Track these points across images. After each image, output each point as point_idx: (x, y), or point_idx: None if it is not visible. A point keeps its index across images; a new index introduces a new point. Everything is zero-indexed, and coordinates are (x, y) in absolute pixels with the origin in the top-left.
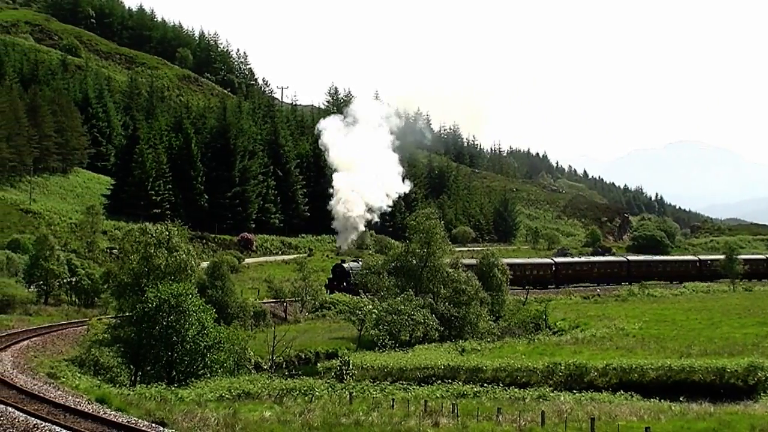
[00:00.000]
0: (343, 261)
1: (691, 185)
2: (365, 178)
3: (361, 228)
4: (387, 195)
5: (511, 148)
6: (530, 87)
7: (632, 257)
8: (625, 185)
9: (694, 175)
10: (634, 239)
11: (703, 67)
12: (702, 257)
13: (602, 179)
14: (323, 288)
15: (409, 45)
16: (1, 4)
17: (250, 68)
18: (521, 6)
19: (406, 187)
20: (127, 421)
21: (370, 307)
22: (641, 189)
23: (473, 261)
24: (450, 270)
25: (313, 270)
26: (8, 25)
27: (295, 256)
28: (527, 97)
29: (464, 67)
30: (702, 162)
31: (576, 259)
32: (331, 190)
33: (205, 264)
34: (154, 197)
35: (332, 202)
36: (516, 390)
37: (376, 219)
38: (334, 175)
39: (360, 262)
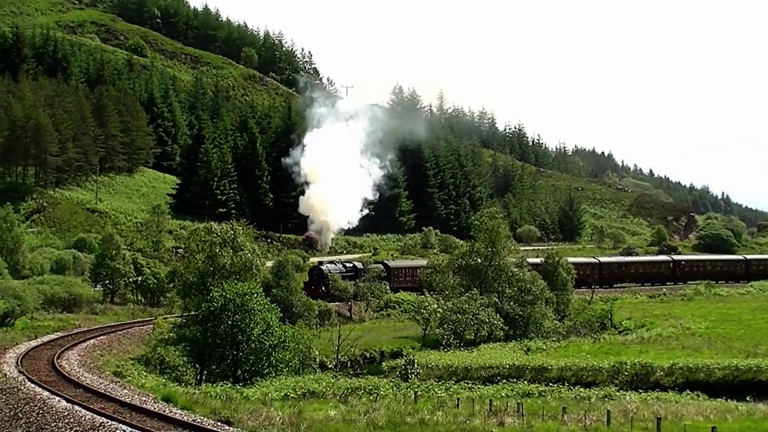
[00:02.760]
0: (321, 263)
1: (761, 183)
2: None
3: (336, 229)
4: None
5: (576, 147)
6: (597, 84)
7: (604, 258)
8: (691, 184)
9: (764, 172)
10: (700, 238)
11: None
12: (675, 257)
13: (668, 178)
14: (387, 287)
15: (471, 38)
16: (68, 4)
17: (314, 67)
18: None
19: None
20: (193, 420)
21: (435, 306)
22: (707, 188)
23: (538, 260)
24: (515, 269)
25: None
26: (74, 25)
27: (359, 255)
28: (592, 96)
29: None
30: None
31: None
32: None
33: (270, 263)
34: (219, 197)
35: (303, 204)
36: (581, 389)
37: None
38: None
39: (338, 265)
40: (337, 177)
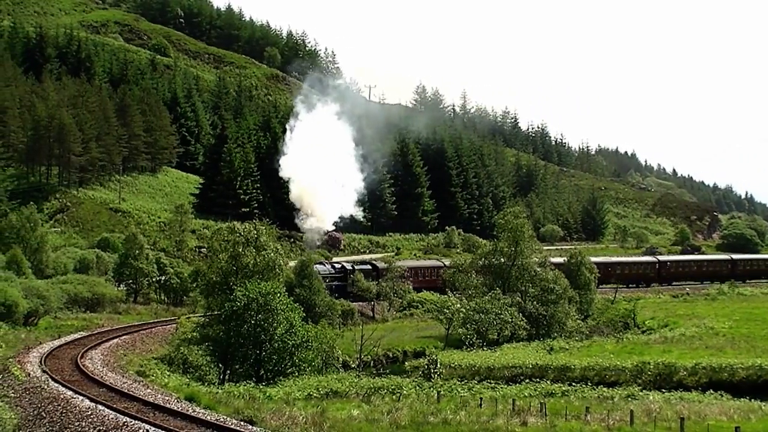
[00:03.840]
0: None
1: None
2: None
3: (325, 229)
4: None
5: (599, 146)
6: (620, 84)
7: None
8: (715, 183)
9: None
10: (724, 238)
11: None
12: (661, 258)
13: (691, 177)
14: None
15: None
16: (91, 4)
17: (337, 67)
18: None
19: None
20: (216, 419)
21: (458, 305)
22: (731, 187)
23: (561, 260)
24: (538, 269)
25: None
26: (98, 25)
27: (382, 255)
28: (615, 95)
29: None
30: None
31: None
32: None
33: (293, 263)
34: (242, 196)
35: (293, 198)
36: (604, 389)
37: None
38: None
39: (327, 265)
40: (325, 170)
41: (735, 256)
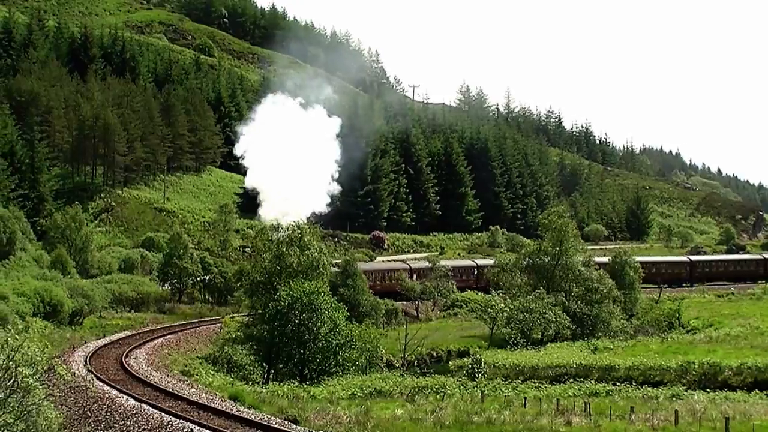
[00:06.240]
0: None
1: None
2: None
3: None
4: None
5: (643, 145)
6: (664, 83)
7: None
8: (760, 183)
9: None
10: None
11: None
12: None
13: (736, 176)
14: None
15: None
16: (136, 5)
17: (381, 67)
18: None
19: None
20: (260, 419)
21: (502, 305)
22: None
23: (605, 259)
24: (582, 268)
25: None
26: (143, 25)
27: (426, 254)
28: (660, 94)
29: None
30: None
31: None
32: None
33: (337, 262)
34: None
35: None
36: (649, 389)
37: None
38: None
39: None
40: (295, 170)
41: (693, 258)
